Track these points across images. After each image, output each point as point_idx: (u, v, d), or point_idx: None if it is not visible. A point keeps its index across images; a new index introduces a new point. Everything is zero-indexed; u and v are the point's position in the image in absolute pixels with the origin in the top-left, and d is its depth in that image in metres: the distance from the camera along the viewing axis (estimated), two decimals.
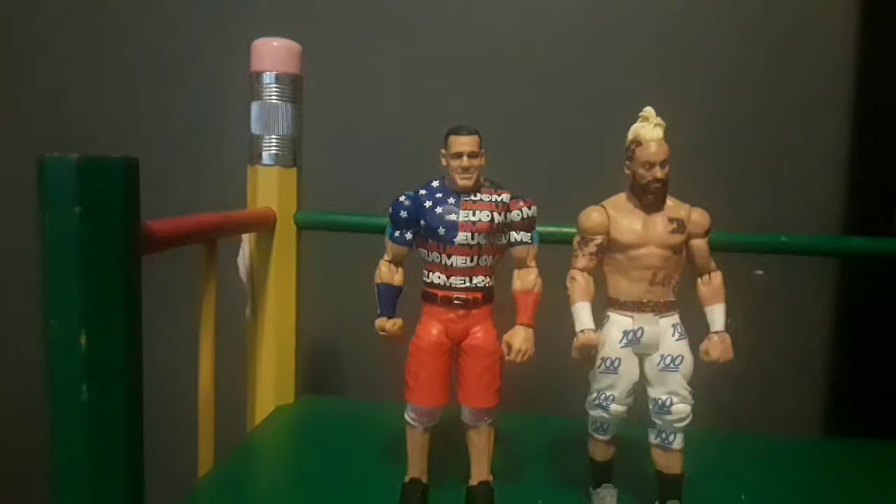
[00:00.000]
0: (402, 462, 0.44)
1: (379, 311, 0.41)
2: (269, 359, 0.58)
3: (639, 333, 0.39)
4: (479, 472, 0.43)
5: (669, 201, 0.40)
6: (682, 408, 0.39)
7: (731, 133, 0.75)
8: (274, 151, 0.56)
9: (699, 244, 0.40)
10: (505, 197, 0.41)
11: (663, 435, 0.40)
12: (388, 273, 0.42)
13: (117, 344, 0.30)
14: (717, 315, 0.40)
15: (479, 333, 0.41)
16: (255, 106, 0.56)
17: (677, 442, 0.40)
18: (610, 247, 0.40)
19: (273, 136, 0.56)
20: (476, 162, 0.39)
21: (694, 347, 0.40)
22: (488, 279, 0.41)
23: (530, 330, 0.40)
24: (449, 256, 0.40)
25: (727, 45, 0.75)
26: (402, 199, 0.41)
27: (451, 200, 0.40)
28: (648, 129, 0.39)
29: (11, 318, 0.85)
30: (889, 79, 0.72)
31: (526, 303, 0.41)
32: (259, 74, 0.55)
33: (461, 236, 0.39)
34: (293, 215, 0.57)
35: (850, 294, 0.76)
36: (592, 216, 0.40)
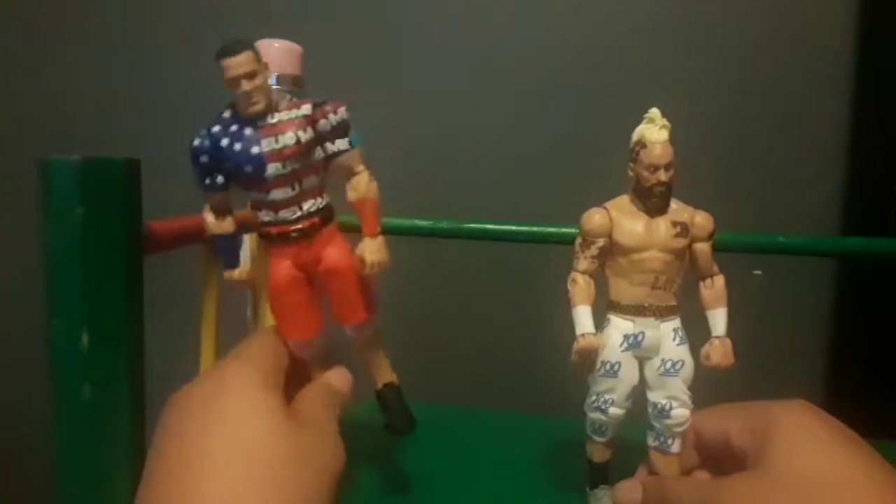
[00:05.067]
0: (396, 462, 0.44)
1: (225, 266, 0.39)
2: None
3: (639, 338, 0.39)
4: (382, 376, 0.41)
5: (673, 204, 0.40)
6: (681, 412, 0.39)
7: (731, 133, 0.75)
8: None
9: (702, 248, 0.40)
10: (306, 108, 0.36)
11: (661, 438, 0.40)
12: (217, 224, 0.38)
13: (119, 344, 0.30)
14: (718, 319, 0.40)
15: (332, 255, 0.38)
16: None
17: (675, 446, 0.40)
18: (612, 250, 0.40)
19: None
20: (258, 82, 0.35)
21: (694, 351, 0.40)
22: (319, 199, 0.38)
23: (379, 238, 0.37)
24: (268, 192, 0.36)
25: (727, 45, 0.75)
26: (196, 141, 0.36)
27: (249, 131, 0.36)
28: (654, 131, 0.38)
29: (13, 318, 0.85)
30: (889, 79, 0.73)
31: (366, 211, 0.37)
32: None
33: (271, 168, 0.35)
34: None
35: (850, 294, 0.76)
36: (594, 218, 0.39)
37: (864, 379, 0.73)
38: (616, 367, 0.39)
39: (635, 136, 0.39)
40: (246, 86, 0.34)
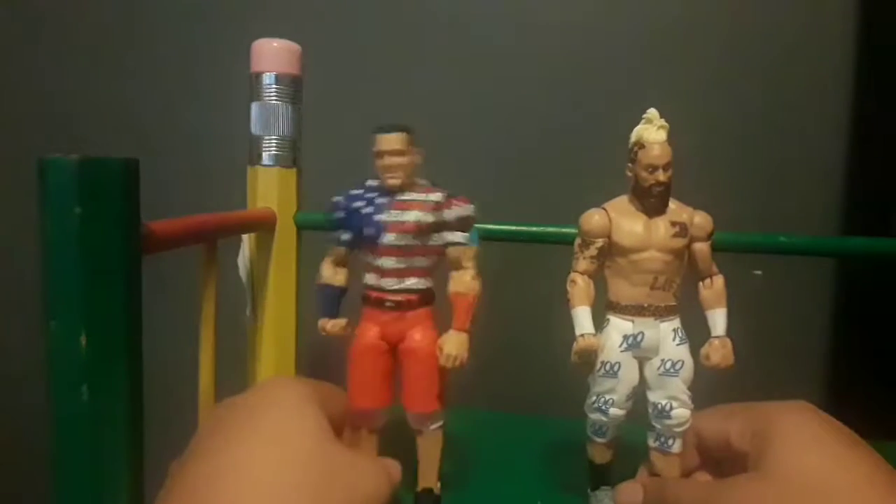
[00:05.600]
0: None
1: (321, 313, 0.41)
2: (269, 359, 0.58)
3: (639, 338, 0.39)
4: (425, 478, 0.42)
5: (672, 204, 0.40)
6: (681, 412, 0.39)
7: (731, 133, 0.75)
8: (274, 152, 0.56)
9: (702, 248, 0.40)
10: (436, 196, 0.39)
11: (662, 439, 0.40)
12: (330, 274, 0.41)
13: (118, 344, 0.30)
14: (718, 319, 0.40)
15: (416, 336, 0.40)
16: (254, 106, 0.56)
17: (676, 446, 0.40)
18: (611, 250, 0.39)
19: (273, 137, 0.56)
20: (401, 160, 0.38)
21: (693, 351, 0.40)
22: (423, 280, 0.40)
23: (464, 335, 0.39)
24: (379, 257, 0.39)
25: (727, 44, 0.75)
26: (336, 199, 0.40)
27: (383, 200, 0.39)
28: (652, 132, 0.38)
29: (12, 319, 0.85)
30: (889, 79, 0.73)
31: (460, 306, 0.39)
32: (259, 75, 0.55)
33: (388, 237, 0.39)
34: (293, 215, 0.57)
35: (850, 294, 0.76)
36: (594, 219, 0.39)
37: (864, 379, 0.73)
38: (616, 368, 0.39)
39: (633, 137, 0.39)
40: (387, 161, 0.38)
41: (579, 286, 0.40)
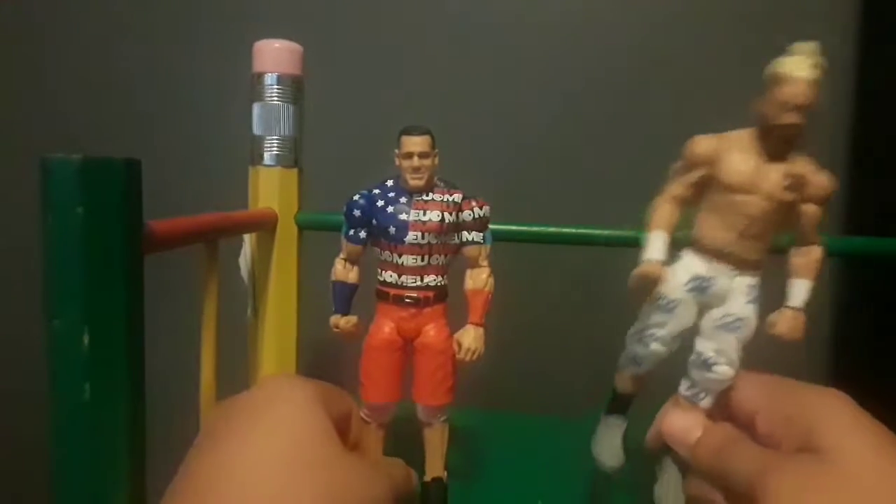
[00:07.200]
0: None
1: (334, 309, 0.42)
2: (270, 359, 0.58)
3: (708, 283, 0.36)
4: (433, 468, 0.43)
5: (796, 154, 0.35)
6: (725, 370, 0.36)
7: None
8: (275, 152, 0.56)
9: (813, 210, 0.35)
10: (457, 197, 0.41)
11: (695, 390, 0.37)
12: (342, 271, 0.42)
13: (119, 344, 0.30)
14: (800, 289, 0.36)
15: (432, 332, 0.41)
16: (256, 107, 0.56)
17: (706, 401, 0.37)
18: (711, 183, 0.35)
19: (274, 137, 0.56)
20: (427, 162, 0.40)
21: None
22: (440, 278, 0.41)
23: (481, 329, 0.40)
24: (400, 255, 0.40)
25: (726, 43, 0.75)
26: (356, 197, 0.41)
27: (403, 200, 0.40)
28: (801, 65, 0.32)
29: (13, 318, 0.86)
30: (889, 78, 0.73)
31: (477, 302, 0.41)
32: (260, 76, 0.55)
33: (411, 235, 0.40)
34: (294, 216, 0.57)
35: (851, 294, 0.76)
36: (702, 144, 0.35)
37: (865, 380, 0.73)
38: (673, 305, 0.36)
39: (775, 66, 0.33)
40: (416, 162, 0.39)
41: (663, 210, 0.36)
